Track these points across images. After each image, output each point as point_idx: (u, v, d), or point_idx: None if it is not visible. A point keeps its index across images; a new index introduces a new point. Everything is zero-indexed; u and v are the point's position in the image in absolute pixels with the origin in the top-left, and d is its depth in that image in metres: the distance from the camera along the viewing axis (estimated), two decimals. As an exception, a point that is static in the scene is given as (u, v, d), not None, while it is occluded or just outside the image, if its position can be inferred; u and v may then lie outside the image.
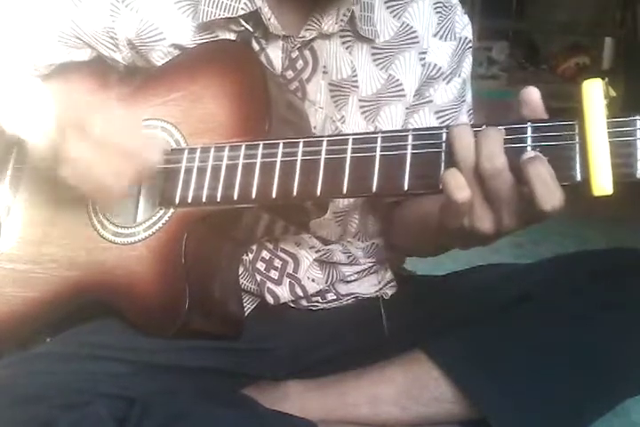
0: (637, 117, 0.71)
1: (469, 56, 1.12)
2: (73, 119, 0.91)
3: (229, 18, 0.99)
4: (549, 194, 0.71)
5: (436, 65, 1.08)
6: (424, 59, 1.07)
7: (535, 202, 0.71)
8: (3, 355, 0.99)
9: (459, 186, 0.74)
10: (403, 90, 1.07)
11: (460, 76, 1.11)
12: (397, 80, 1.07)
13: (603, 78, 0.72)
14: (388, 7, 1.06)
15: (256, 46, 1.01)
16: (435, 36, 1.08)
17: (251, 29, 1.00)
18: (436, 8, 1.08)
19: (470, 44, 1.11)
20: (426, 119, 1.09)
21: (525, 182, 0.72)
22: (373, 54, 1.05)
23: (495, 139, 0.74)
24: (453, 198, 0.74)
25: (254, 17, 1.00)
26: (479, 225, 0.76)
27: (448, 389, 1.04)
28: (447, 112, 1.10)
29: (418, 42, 1.07)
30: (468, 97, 1.14)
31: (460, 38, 1.09)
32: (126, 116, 0.94)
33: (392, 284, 1.19)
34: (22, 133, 0.96)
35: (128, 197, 0.97)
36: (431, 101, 1.09)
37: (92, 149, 0.89)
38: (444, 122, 1.10)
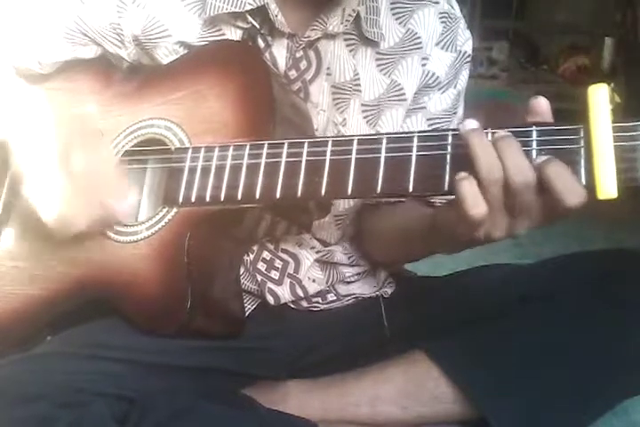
0: None
1: (466, 70, 1.13)
2: (54, 148, 0.93)
3: (236, 13, 0.99)
4: (573, 190, 0.71)
5: (434, 74, 1.08)
6: (425, 65, 1.08)
7: (560, 201, 0.71)
8: (3, 354, 0.99)
9: (477, 203, 0.72)
10: (404, 94, 1.07)
11: (455, 87, 1.11)
12: (399, 84, 1.07)
13: (608, 84, 0.72)
14: (394, 13, 1.06)
15: (261, 44, 1.01)
16: (437, 44, 1.08)
17: (257, 26, 1.00)
18: (441, 17, 1.08)
19: (469, 59, 1.12)
20: (418, 124, 1.09)
21: (546, 184, 0.71)
22: (377, 59, 1.05)
23: (519, 151, 0.73)
24: (470, 215, 0.73)
25: (261, 13, 0.99)
26: (496, 234, 0.76)
27: (448, 389, 1.04)
28: (438, 121, 1.10)
29: (421, 47, 1.07)
30: (460, 111, 1.14)
31: (460, 51, 1.10)
32: (107, 157, 0.96)
33: (390, 281, 1.19)
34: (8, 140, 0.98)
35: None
36: (424, 108, 1.10)
37: (64, 183, 0.91)
38: None
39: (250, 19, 1.00)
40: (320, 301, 1.13)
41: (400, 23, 1.06)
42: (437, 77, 1.08)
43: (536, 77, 3.98)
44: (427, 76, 1.08)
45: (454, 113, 1.12)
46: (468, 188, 0.73)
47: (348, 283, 1.15)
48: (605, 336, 1.01)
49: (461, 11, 1.13)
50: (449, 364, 1.04)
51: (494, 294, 1.10)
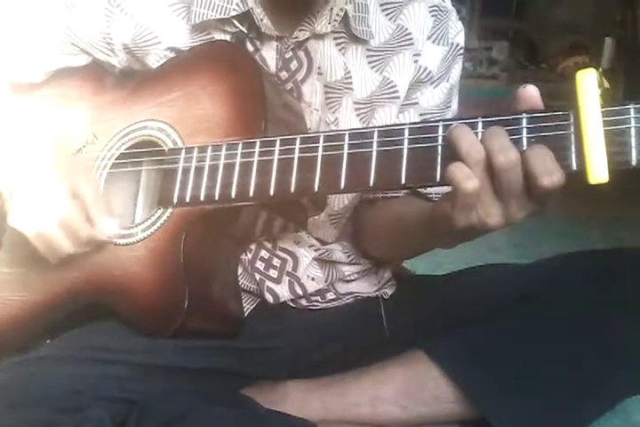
0: (631, 106, 0.71)
1: (459, 63, 1.12)
2: (38, 174, 0.96)
3: (222, 19, 0.99)
4: (549, 172, 0.72)
5: (426, 68, 1.08)
6: (417, 61, 1.07)
7: (537, 181, 0.72)
8: (2, 358, 0.98)
9: (467, 176, 0.74)
10: (397, 91, 1.07)
11: (448, 81, 1.10)
12: (392, 82, 1.06)
13: (596, 68, 0.72)
14: (383, 10, 1.05)
15: (250, 47, 1.01)
16: (428, 39, 1.07)
17: (244, 30, 1.00)
18: (431, 11, 1.07)
19: (461, 51, 1.11)
20: (411, 120, 1.09)
21: (525, 164, 0.73)
22: (368, 56, 1.05)
23: (502, 134, 0.74)
24: (462, 188, 0.74)
25: (248, 18, 1.00)
26: (489, 220, 0.76)
27: (448, 388, 1.04)
28: (432, 115, 1.10)
29: (412, 44, 1.07)
30: (454, 104, 1.14)
31: (452, 44, 1.09)
32: (90, 180, 0.98)
33: (391, 283, 1.19)
34: None
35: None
36: (417, 103, 1.09)
37: (47, 209, 0.93)
38: None
39: (237, 24, 1.00)
40: (319, 299, 1.12)
41: (390, 19, 1.06)
42: (429, 72, 1.08)
43: (536, 77, 3.99)
44: (419, 71, 1.07)
45: (448, 107, 1.12)
46: (458, 167, 0.74)
47: (348, 281, 1.15)
48: (605, 336, 1.01)
49: (461, 11, 1.13)
50: (449, 364, 1.04)
51: (493, 293, 1.10)
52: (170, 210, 0.95)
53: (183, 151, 0.95)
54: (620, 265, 1.05)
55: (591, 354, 1.01)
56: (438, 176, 0.78)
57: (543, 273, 1.12)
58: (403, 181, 0.80)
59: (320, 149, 0.85)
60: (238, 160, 0.90)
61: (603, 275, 1.03)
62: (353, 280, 1.15)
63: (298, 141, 0.87)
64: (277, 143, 0.88)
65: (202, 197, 0.91)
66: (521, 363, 1.02)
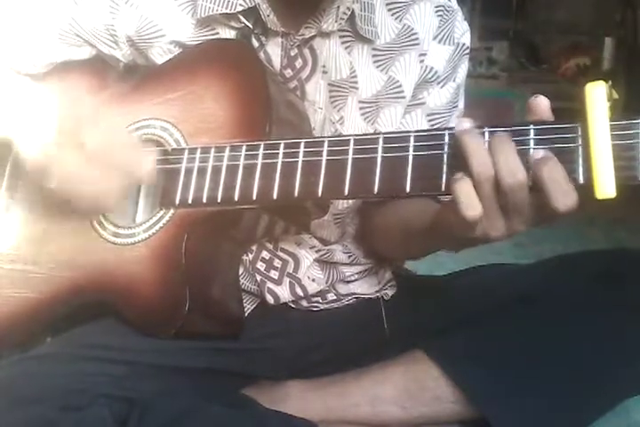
0: None
1: (465, 62, 1.12)
2: (62, 133, 0.90)
3: (228, 14, 0.99)
4: (564, 195, 0.71)
5: (432, 68, 1.07)
6: (423, 61, 1.07)
7: (550, 203, 0.71)
8: (2, 356, 0.99)
9: (471, 205, 0.73)
10: (402, 91, 1.07)
11: (454, 81, 1.10)
12: (397, 81, 1.06)
13: (606, 81, 0.72)
14: (389, 9, 1.05)
15: (255, 43, 1.00)
16: (434, 39, 1.07)
17: (250, 26, 1.00)
18: (437, 11, 1.07)
19: (467, 51, 1.11)
20: (417, 121, 1.09)
21: (539, 185, 0.72)
22: (374, 56, 1.05)
23: (512, 152, 0.73)
24: (465, 216, 0.73)
25: (254, 13, 0.99)
26: (493, 234, 0.76)
27: (448, 388, 1.04)
28: (438, 115, 1.10)
29: (418, 44, 1.06)
30: (461, 103, 1.13)
31: (458, 44, 1.09)
32: (116, 127, 0.93)
33: (392, 284, 1.19)
34: (13, 140, 0.95)
35: (119, 206, 0.95)
36: (424, 104, 1.09)
37: (79, 163, 0.88)
38: (434, 125, 1.10)
39: (242, 19, 1.00)
40: (320, 300, 1.12)
41: (396, 19, 1.05)
42: (436, 72, 1.08)
43: (536, 77, 3.99)
44: (425, 71, 1.07)
45: (455, 106, 1.12)
46: (464, 188, 0.73)
47: (349, 282, 1.15)
48: (605, 336, 1.01)
49: (461, 10, 1.13)
50: (449, 364, 1.04)
51: (493, 293, 1.10)
52: (172, 211, 0.94)
53: (186, 151, 0.94)
54: (621, 266, 1.05)
55: (591, 354, 1.01)
56: (444, 185, 0.77)
57: (543, 273, 1.12)
58: (407, 189, 0.79)
59: (324, 154, 0.84)
60: (242, 162, 0.89)
61: (604, 275, 1.03)
62: (354, 281, 1.15)
63: (302, 145, 0.86)
64: (282, 146, 0.87)
65: (204, 199, 0.91)
66: (521, 363, 1.02)
